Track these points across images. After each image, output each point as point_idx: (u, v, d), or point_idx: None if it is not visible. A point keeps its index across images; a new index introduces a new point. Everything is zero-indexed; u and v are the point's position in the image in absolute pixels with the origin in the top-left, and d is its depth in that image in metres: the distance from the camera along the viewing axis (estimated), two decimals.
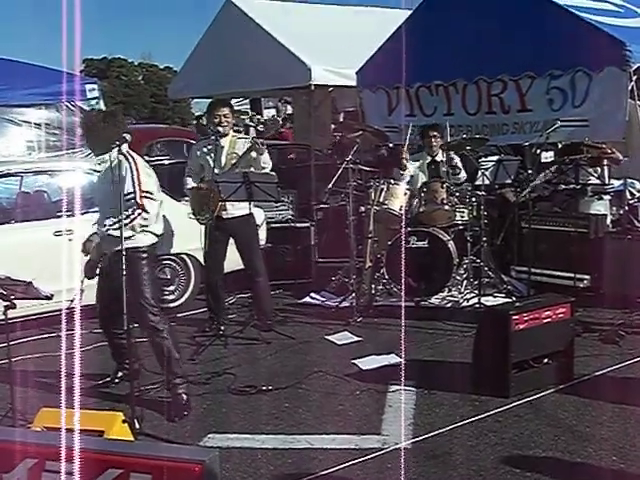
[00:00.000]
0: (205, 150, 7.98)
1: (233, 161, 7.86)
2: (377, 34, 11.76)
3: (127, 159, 5.98)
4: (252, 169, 7.78)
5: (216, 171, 7.77)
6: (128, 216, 5.81)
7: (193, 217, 7.98)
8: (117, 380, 6.58)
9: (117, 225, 5.72)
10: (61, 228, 7.96)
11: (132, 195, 5.88)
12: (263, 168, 7.85)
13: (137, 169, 5.95)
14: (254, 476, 5.03)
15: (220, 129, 7.86)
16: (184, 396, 6.11)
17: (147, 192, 5.97)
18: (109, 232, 5.88)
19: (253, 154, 7.83)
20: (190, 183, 8.05)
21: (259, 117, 26.37)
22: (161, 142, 15.53)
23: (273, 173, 7.87)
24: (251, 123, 24.29)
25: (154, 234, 6.18)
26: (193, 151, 8.32)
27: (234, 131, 8.34)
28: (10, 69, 11.89)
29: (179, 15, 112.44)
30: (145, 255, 6.08)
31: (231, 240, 8.07)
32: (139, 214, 5.89)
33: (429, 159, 9.62)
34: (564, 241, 8.55)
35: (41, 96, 11.55)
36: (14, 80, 11.44)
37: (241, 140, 8.03)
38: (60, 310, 7.08)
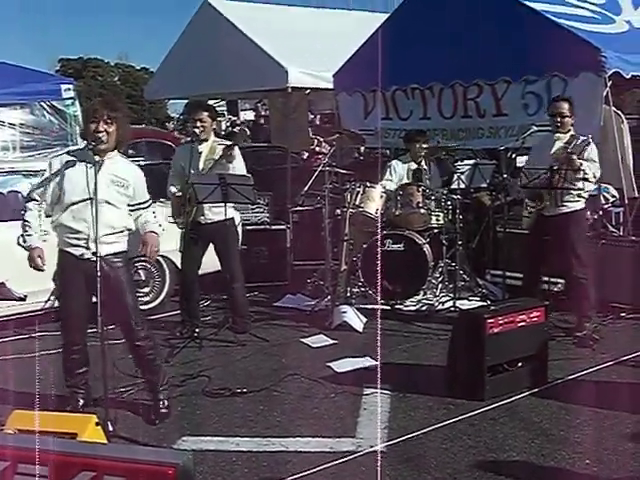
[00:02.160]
0: (185, 154, 7.90)
1: (210, 166, 7.81)
2: (354, 37, 11.78)
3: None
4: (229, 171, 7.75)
5: (193, 173, 7.72)
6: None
7: (172, 221, 7.93)
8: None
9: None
10: None
11: None
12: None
13: None
14: (228, 479, 5.01)
15: (197, 133, 7.81)
16: (165, 401, 6.08)
17: None
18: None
19: (223, 161, 7.77)
20: (173, 188, 7.99)
21: (235, 119, 26.31)
22: (137, 143, 15.44)
23: (249, 175, 7.83)
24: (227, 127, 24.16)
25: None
26: (175, 155, 8.26)
27: (216, 135, 8.26)
28: None
29: (156, 16, 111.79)
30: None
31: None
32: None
33: (414, 166, 9.59)
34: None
35: (16, 96, 11.48)
36: None
37: (221, 146, 7.94)
38: (34, 312, 7.06)
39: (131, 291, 6.00)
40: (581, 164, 7.42)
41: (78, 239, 5.69)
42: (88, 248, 5.66)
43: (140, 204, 5.91)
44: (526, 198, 7.94)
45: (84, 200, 5.63)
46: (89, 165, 5.62)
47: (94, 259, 5.55)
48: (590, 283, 7.72)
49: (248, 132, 22.34)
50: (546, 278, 8.17)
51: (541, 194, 7.70)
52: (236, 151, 7.84)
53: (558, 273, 8.21)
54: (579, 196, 7.70)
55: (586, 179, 7.50)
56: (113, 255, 5.78)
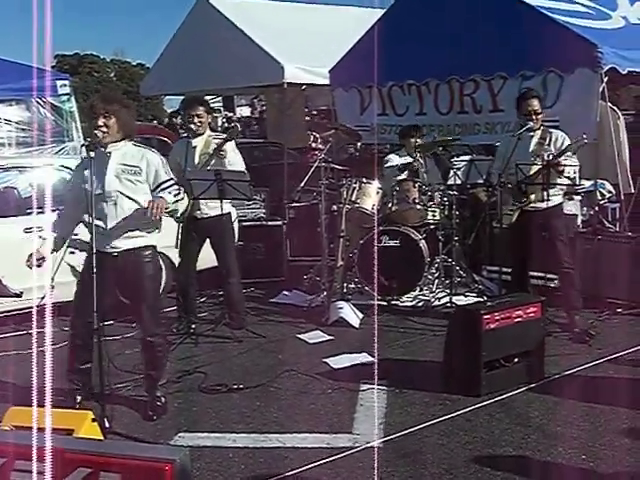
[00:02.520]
0: (181, 150, 7.89)
1: (205, 160, 7.80)
2: (351, 33, 11.78)
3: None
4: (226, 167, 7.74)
5: (189, 169, 7.71)
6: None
7: (168, 215, 7.91)
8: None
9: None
10: (31, 225, 7.89)
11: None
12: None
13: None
14: (225, 475, 5.01)
15: (194, 128, 7.80)
16: (163, 398, 6.09)
17: None
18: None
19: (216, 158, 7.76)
20: None
21: (230, 115, 26.30)
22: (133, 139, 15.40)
23: (245, 171, 7.82)
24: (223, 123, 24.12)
25: None
26: (172, 151, 8.24)
27: (211, 130, 8.25)
28: None
29: (152, 12, 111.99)
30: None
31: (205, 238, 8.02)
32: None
33: (409, 160, 9.58)
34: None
35: (12, 92, 11.47)
36: None
37: (215, 140, 7.91)
38: (30, 308, 7.04)
39: (150, 287, 6.00)
40: (564, 167, 7.43)
41: (97, 233, 5.71)
42: (107, 242, 5.78)
43: (159, 185, 5.85)
44: (510, 195, 7.88)
45: (98, 195, 5.70)
46: (94, 160, 5.63)
47: (115, 254, 5.77)
48: (577, 274, 7.74)
49: (240, 128, 22.31)
50: (542, 274, 8.17)
51: (526, 191, 7.69)
52: (231, 146, 7.82)
53: (550, 268, 8.20)
54: (561, 190, 7.73)
55: (570, 177, 7.52)
56: (134, 249, 5.84)
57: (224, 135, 7.95)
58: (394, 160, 9.57)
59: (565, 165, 7.40)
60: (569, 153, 7.44)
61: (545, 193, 7.59)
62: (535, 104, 7.73)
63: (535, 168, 7.57)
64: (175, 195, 5.89)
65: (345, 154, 12.47)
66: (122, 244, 5.81)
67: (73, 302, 6.05)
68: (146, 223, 5.84)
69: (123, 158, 5.80)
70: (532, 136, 7.73)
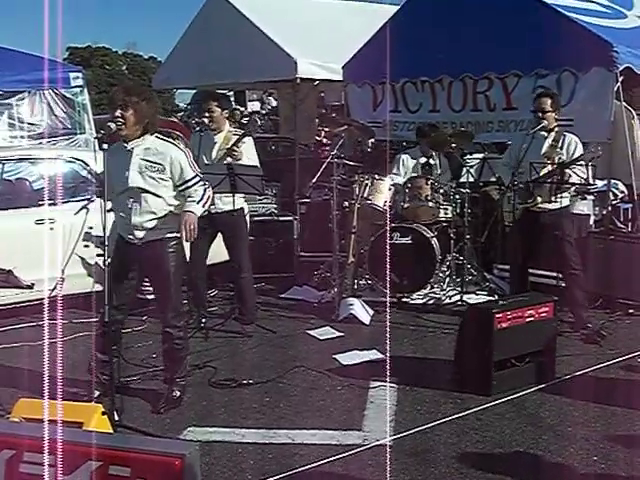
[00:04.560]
0: (195, 143, 7.85)
1: (221, 156, 7.78)
2: (364, 29, 11.72)
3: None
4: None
5: (207, 163, 7.70)
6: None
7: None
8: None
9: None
10: (43, 216, 7.89)
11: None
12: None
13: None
14: (234, 470, 4.99)
15: (206, 122, 7.78)
16: (178, 392, 6.08)
17: None
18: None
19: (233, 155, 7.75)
20: None
21: (242, 110, 26.25)
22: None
23: (258, 166, 7.81)
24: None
25: None
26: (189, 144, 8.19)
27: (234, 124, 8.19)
28: None
29: (165, 5, 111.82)
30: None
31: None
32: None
33: (424, 160, 9.55)
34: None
35: (25, 83, 11.47)
36: None
37: (235, 137, 7.88)
38: (41, 299, 7.04)
39: (171, 278, 5.98)
40: (570, 176, 7.41)
41: (123, 224, 5.86)
42: (131, 233, 5.83)
43: (185, 182, 5.85)
44: (516, 194, 7.84)
45: (123, 192, 5.79)
46: (120, 155, 5.71)
47: (139, 243, 5.85)
48: (585, 276, 7.73)
49: (258, 122, 22.20)
50: (553, 274, 8.14)
51: (532, 191, 7.66)
52: (248, 143, 7.82)
53: (557, 269, 8.17)
54: (570, 192, 7.71)
55: (583, 177, 7.49)
56: (156, 241, 5.85)
57: (241, 132, 7.94)
58: (407, 160, 9.54)
59: (573, 173, 7.40)
60: (582, 162, 7.43)
61: (553, 195, 7.57)
62: (545, 102, 7.71)
63: (545, 170, 7.54)
64: (203, 192, 5.91)
65: (357, 150, 12.42)
66: (147, 235, 5.83)
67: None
68: (171, 220, 5.88)
69: (146, 154, 5.77)
70: (545, 137, 7.70)
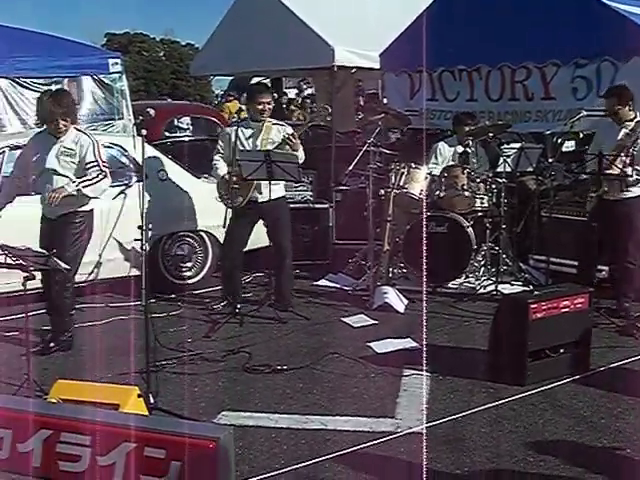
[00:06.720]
0: (239, 135, 7.84)
1: (268, 147, 7.81)
2: (402, 17, 11.67)
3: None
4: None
5: (241, 149, 7.73)
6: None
7: (220, 201, 7.93)
8: None
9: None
10: None
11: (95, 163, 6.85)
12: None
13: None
14: (267, 454, 5.03)
15: (265, 115, 7.90)
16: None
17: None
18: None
19: (287, 147, 7.80)
20: (222, 169, 7.93)
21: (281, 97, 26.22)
22: (182, 118, 15.45)
23: (295, 153, 7.82)
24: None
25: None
26: (225, 134, 8.19)
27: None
28: (33, 40, 11.90)
29: None
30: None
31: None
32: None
33: (461, 149, 9.50)
34: (584, 231, 8.46)
35: (64, 69, 11.56)
36: (37, 52, 11.45)
37: (276, 126, 7.96)
38: (79, 283, 7.12)
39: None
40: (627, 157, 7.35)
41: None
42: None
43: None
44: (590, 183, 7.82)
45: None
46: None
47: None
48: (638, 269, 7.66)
49: (309, 110, 21.98)
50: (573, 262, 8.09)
51: (599, 180, 7.62)
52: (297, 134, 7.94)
53: (606, 259, 8.10)
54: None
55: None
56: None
57: (281, 123, 8.02)
58: (444, 149, 9.51)
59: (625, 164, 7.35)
60: None
61: (623, 184, 7.51)
62: (609, 104, 7.71)
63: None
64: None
65: (393, 138, 12.37)
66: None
67: None
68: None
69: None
70: (622, 127, 7.65)
